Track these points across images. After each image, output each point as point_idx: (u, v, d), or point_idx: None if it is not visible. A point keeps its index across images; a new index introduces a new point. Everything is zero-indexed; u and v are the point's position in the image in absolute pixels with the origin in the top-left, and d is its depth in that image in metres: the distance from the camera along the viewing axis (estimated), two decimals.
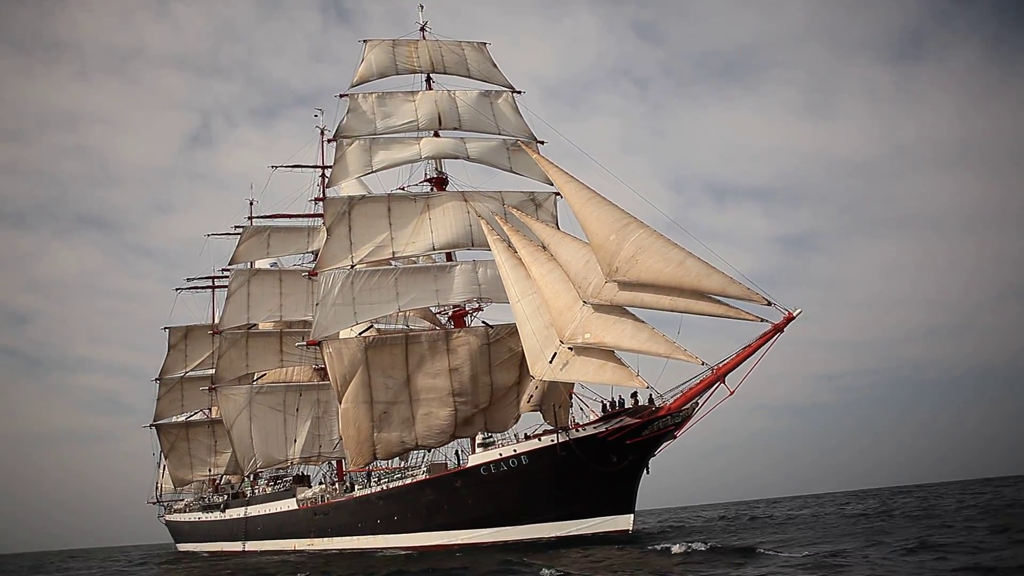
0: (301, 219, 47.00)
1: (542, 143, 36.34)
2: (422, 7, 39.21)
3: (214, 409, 54.53)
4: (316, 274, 34.16)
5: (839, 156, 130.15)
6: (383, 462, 35.40)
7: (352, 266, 33.91)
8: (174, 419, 54.50)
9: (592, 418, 26.87)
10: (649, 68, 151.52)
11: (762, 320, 23.01)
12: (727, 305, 23.51)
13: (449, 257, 35.41)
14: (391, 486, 33.34)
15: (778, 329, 22.75)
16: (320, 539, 37.09)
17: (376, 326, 37.23)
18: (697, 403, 24.61)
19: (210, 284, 57.69)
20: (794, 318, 22.63)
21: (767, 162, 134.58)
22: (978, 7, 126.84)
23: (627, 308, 25.92)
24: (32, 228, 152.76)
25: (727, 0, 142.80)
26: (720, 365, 23.65)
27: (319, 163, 47.70)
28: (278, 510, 41.87)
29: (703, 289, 23.68)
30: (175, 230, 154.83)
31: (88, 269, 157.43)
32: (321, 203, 45.32)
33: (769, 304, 22.95)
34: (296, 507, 40.05)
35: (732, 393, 23.54)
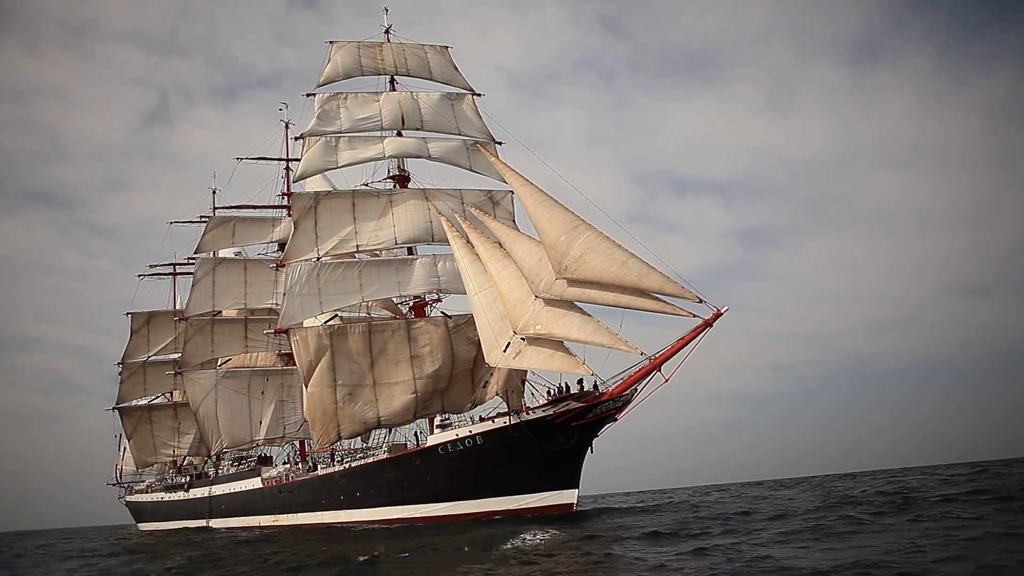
0: (266, 210, 48.50)
1: (500, 144, 38.60)
2: (387, 10, 41.15)
3: (176, 393, 55.94)
4: (284, 265, 35.99)
5: (797, 154, 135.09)
6: (346, 443, 37.56)
7: (318, 258, 35.81)
8: (136, 402, 55.55)
9: (541, 402, 29.43)
10: (614, 61, 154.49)
11: (694, 316, 25.79)
12: (664, 302, 26.21)
13: (410, 251, 37.50)
14: (354, 465, 35.55)
15: (708, 324, 25.52)
16: (285, 515, 39.13)
17: (340, 315, 39.22)
18: (636, 389, 27.30)
19: (172, 271, 59.09)
20: (721, 315, 25.45)
21: (727, 158, 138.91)
22: (932, 16, 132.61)
23: (575, 303, 28.43)
24: None
25: None
26: (657, 355, 26.35)
27: (283, 156, 49.34)
28: (243, 489, 43.73)
29: (643, 287, 26.35)
30: (130, 209, 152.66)
31: (37, 246, 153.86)
32: (286, 196, 47.29)
33: (701, 301, 25.74)
34: (261, 486, 41.98)
35: (667, 380, 26.30)
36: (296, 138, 38.51)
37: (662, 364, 26.23)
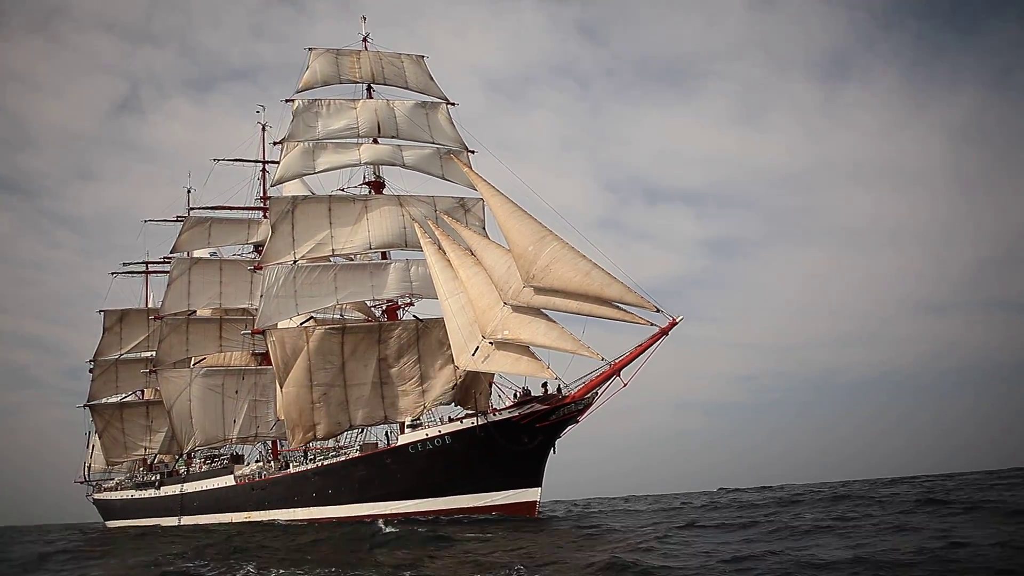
0: (242, 211, 49.33)
1: (473, 152, 39.95)
2: (365, 19, 42.31)
3: (148, 391, 56.48)
4: (261, 268, 36.96)
5: (767, 167, 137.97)
6: (319, 442, 38.58)
7: (295, 261, 36.82)
8: (108, 400, 55.94)
9: (508, 404, 30.80)
10: (591, 68, 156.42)
11: (651, 324, 27.33)
12: (624, 310, 27.72)
13: (384, 256, 38.64)
14: (326, 463, 36.62)
15: (664, 332, 27.04)
16: (257, 512, 40.04)
17: (314, 316, 40.23)
18: (597, 393, 28.80)
19: (145, 269, 59.61)
20: (677, 323, 27.00)
21: (699, 168, 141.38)
22: (899, 35, 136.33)
23: (541, 309, 29.88)
24: None
25: (670, 8, 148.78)
26: (616, 361, 27.86)
27: (260, 158, 50.20)
28: (216, 486, 44.51)
29: (604, 296, 27.83)
30: (97, 199, 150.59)
31: None
32: (261, 199, 48.18)
33: (658, 311, 27.28)
34: (234, 483, 42.82)
35: (625, 385, 27.83)
36: (275, 143, 39.56)
37: (621, 369, 27.72)
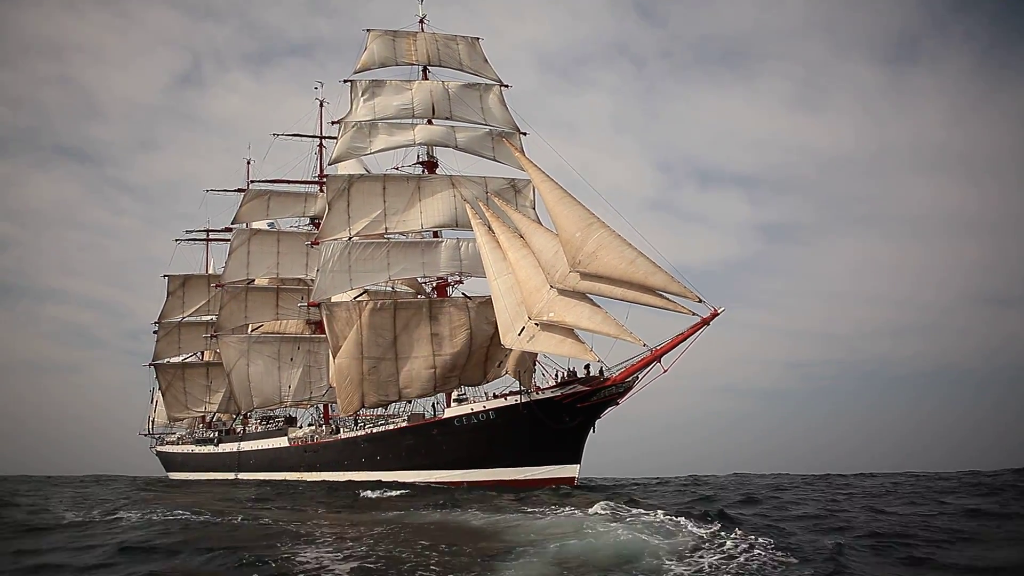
0: (299, 184, 51.17)
1: (525, 134, 40.85)
2: (421, 0, 43.20)
3: (206, 353, 59.36)
4: (318, 243, 38.63)
5: (826, 151, 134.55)
6: (369, 409, 40.49)
7: (349, 238, 38.41)
8: (171, 360, 58.95)
9: (550, 383, 32.03)
10: (647, 48, 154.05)
11: (693, 314, 28.19)
12: (666, 299, 28.61)
13: (435, 234, 39.98)
14: (376, 430, 38.50)
15: (705, 322, 27.90)
16: (309, 473, 42.29)
17: (368, 291, 41.94)
18: (637, 377, 29.85)
19: (205, 237, 62.45)
20: (718, 315, 27.81)
21: (754, 151, 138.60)
22: (975, 16, 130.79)
23: (586, 294, 30.92)
24: (11, 156, 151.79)
25: None
26: (657, 348, 28.83)
27: (317, 133, 51.84)
28: (271, 446, 46.99)
29: (648, 284, 28.72)
30: (158, 169, 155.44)
31: (66, 201, 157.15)
32: (318, 174, 49.90)
33: (700, 301, 28.11)
34: (288, 444, 45.18)
35: (666, 371, 28.85)
36: (333, 122, 40.97)
37: (662, 356, 28.69)
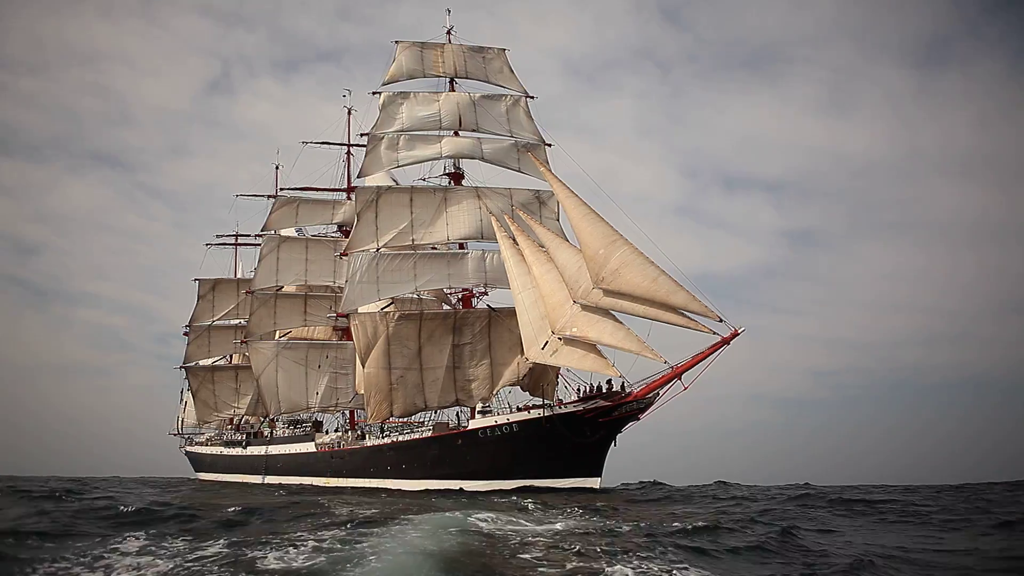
0: (327, 192, 52.01)
1: (550, 146, 41.30)
2: (449, 11, 43.80)
3: (236, 356, 60.55)
4: (347, 254, 39.43)
5: (853, 156, 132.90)
6: (395, 418, 41.21)
7: (377, 249, 39.16)
8: (201, 363, 60.22)
9: (573, 398, 32.50)
10: (673, 53, 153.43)
11: (714, 333, 28.49)
12: (688, 317, 28.98)
13: (461, 246, 40.60)
14: (401, 439, 39.21)
15: (725, 341, 28.24)
16: (335, 479, 43.10)
17: (395, 299, 42.64)
18: (658, 393, 30.24)
19: (235, 242, 63.70)
20: (738, 334, 28.12)
21: (781, 156, 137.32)
22: (1007, 20, 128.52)
23: (609, 310, 31.35)
24: (46, 161, 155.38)
25: None
26: (678, 365, 29.22)
27: (345, 140, 52.68)
28: (297, 451, 47.92)
29: (670, 303, 29.11)
30: (188, 174, 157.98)
31: (98, 206, 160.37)
32: (346, 181, 50.78)
33: (721, 320, 28.47)
34: (314, 449, 46.07)
35: (686, 388, 29.26)
36: (361, 134, 41.75)
37: (683, 373, 29.04)
